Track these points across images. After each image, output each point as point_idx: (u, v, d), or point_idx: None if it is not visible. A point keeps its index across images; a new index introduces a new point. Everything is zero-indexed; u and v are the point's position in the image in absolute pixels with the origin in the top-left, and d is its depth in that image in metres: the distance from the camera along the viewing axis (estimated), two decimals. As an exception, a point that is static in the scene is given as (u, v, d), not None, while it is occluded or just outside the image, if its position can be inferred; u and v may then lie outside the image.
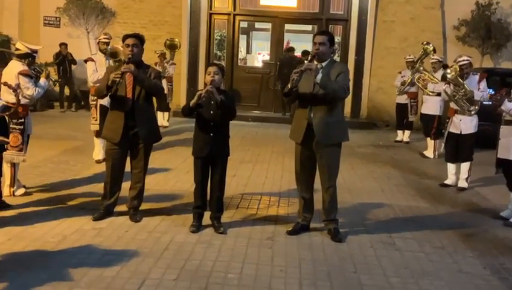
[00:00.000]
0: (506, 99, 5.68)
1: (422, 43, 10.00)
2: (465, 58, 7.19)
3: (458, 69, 7.10)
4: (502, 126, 5.85)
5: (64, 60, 13.72)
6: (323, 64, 4.91)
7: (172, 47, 12.06)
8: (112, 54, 7.49)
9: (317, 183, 5.16)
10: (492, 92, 7.60)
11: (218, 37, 15.19)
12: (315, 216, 5.29)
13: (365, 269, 4.38)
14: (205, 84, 4.94)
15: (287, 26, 15.25)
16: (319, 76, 4.72)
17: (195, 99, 4.81)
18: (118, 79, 4.98)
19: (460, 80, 7.06)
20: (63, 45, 13.77)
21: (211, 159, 5.02)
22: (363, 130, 13.28)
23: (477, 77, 7.25)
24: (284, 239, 5.00)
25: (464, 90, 7.07)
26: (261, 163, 8.44)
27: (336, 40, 15.32)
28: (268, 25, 15.22)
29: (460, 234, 5.41)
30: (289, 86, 4.81)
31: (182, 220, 5.30)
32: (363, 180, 7.71)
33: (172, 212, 5.61)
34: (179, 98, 13.89)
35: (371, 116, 14.32)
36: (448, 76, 7.13)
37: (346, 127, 5.08)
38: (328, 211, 5.09)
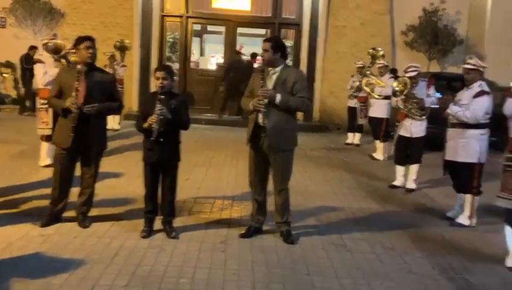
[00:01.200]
0: (452, 103, 5.86)
1: (369, 51, 10.21)
2: (414, 69, 7.32)
3: (408, 81, 7.23)
4: (448, 129, 6.03)
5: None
6: (277, 69, 4.93)
7: (122, 48, 11.86)
8: (55, 50, 7.26)
9: (271, 186, 5.16)
10: (440, 96, 7.84)
11: (171, 40, 15.06)
12: (268, 218, 5.29)
13: (318, 270, 4.41)
14: (153, 95, 4.83)
15: (240, 30, 15.29)
16: (278, 98, 4.77)
17: (147, 126, 4.75)
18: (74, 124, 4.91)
19: (411, 92, 7.20)
20: (34, 48, 13.26)
21: (161, 165, 4.95)
22: (316, 133, 13.44)
23: (425, 83, 7.46)
24: (237, 242, 4.98)
25: (415, 100, 7.23)
26: (215, 166, 8.40)
27: (289, 44, 15.50)
28: (222, 28, 15.21)
29: (410, 235, 5.53)
30: (260, 120, 4.83)
31: (133, 225, 5.19)
32: (315, 182, 7.79)
33: (123, 217, 5.49)
34: (131, 101, 13.66)
35: (323, 119, 14.52)
36: (397, 90, 7.23)
37: (297, 133, 5.12)
38: (281, 214, 5.10)
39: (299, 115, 14.30)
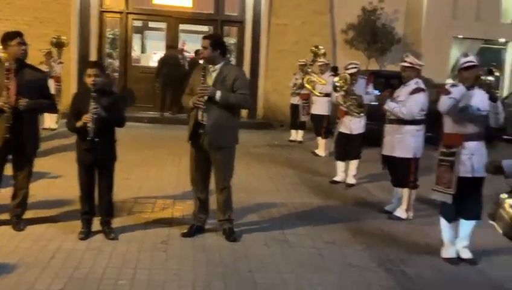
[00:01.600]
0: (389, 99, 6.01)
1: (312, 49, 10.33)
2: (353, 66, 7.47)
3: (348, 77, 7.38)
4: (386, 125, 6.18)
5: None
6: (217, 67, 4.91)
7: (59, 45, 11.47)
8: None
9: (213, 184, 5.14)
10: (378, 93, 8.04)
11: (111, 36, 14.70)
12: (211, 216, 5.26)
13: (260, 267, 4.42)
14: (85, 92, 4.70)
15: (182, 27, 15.11)
16: (218, 94, 4.76)
17: (81, 125, 4.60)
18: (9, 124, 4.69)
19: (350, 88, 7.35)
20: None
21: (97, 165, 4.82)
22: (260, 130, 13.48)
23: (365, 80, 7.63)
24: (179, 242, 4.92)
25: (354, 96, 7.38)
26: (156, 165, 8.27)
27: (232, 41, 15.49)
28: (163, 25, 14.99)
29: (350, 229, 5.64)
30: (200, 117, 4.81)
31: (70, 227, 5.04)
32: (258, 179, 7.81)
33: (59, 219, 5.32)
34: (68, 99, 13.06)
35: (266, 116, 14.58)
36: (338, 85, 7.37)
37: (238, 131, 5.11)
38: (223, 211, 5.09)
39: (243, 113, 14.37)
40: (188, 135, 5.00)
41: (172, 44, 14.53)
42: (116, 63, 14.59)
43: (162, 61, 13.70)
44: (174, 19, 14.56)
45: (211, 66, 4.93)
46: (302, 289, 4.06)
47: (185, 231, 5.10)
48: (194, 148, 5.03)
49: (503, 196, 3.47)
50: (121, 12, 14.29)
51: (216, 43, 4.94)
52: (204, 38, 5.02)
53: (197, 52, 13.85)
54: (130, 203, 6.06)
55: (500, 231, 3.51)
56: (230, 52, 15.50)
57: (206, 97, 4.79)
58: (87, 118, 4.58)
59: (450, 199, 4.69)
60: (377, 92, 8.39)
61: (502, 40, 16.57)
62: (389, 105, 5.94)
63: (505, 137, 12.77)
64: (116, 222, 5.13)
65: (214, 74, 4.91)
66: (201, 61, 12.89)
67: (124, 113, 4.93)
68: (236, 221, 5.36)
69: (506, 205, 3.43)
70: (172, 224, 5.39)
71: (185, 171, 5.40)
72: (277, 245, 4.97)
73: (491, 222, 3.66)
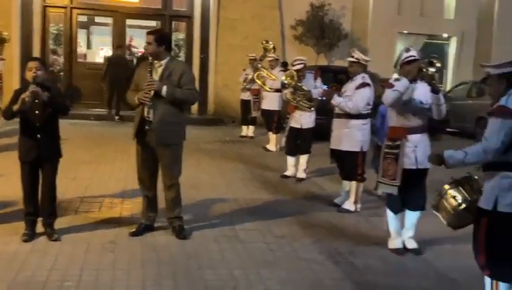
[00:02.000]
0: (336, 94, 6.09)
1: (262, 42, 10.35)
2: (300, 62, 7.53)
3: (294, 74, 7.43)
4: (334, 119, 6.27)
5: None
6: (162, 62, 4.84)
7: (0, 41, 11.02)
8: None
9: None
10: (327, 88, 8.14)
11: (55, 31, 14.24)
12: (161, 215, 5.19)
13: (209, 264, 4.40)
14: (26, 85, 4.53)
15: (129, 22, 14.84)
16: (164, 89, 4.70)
17: (19, 105, 4.41)
18: None
19: (298, 84, 7.40)
20: None
21: (40, 163, 4.66)
22: (210, 126, 13.44)
23: (312, 75, 7.70)
24: (127, 241, 4.83)
25: (303, 92, 7.44)
26: (104, 163, 8.10)
27: (180, 36, 15.34)
28: (109, 20, 14.66)
29: (299, 222, 5.69)
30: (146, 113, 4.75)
31: (13, 229, 4.86)
32: (209, 175, 7.77)
33: (1, 220, 5.12)
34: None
35: (217, 112, 14.54)
36: (286, 82, 7.41)
37: (185, 127, 5.06)
38: (172, 209, 5.03)
39: (193, 109, 14.32)
40: (134, 132, 4.91)
41: (120, 40, 14.23)
42: (61, 59, 14.17)
43: (109, 62, 13.24)
44: (120, 14, 14.30)
45: (156, 61, 4.86)
46: (252, 284, 4.06)
47: (134, 230, 5.02)
48: (140, 145, 4.95)
49: (446, 187, 3.57)
50: (65, 7, 13.91)
51: (161, 38, 4.87)
52: (148, 33, 4.95)
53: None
54: (77, 202, 5.91)
55: (444, 222, 3.61)
56: (179, 48, 15.38)
57: (152, 93, 4.72)
58: (25, 95, 4.38)
59: (396, 190, 4.80)
60: (325, 87, 8.51)
61: (445, 35, 17.11)
62: (336, 100, 6.02)
63: (449, 130, 13.23)
64: (62, 223, 5.00)
65: (160, 70, 4.85)
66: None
67: (66, 102, 4.78)
68: (187, 218, 5.32)
69: (449, 196, 3.53)
70: (120, 223, 5.29)
71: (134, 168, 5.29)
72: (227, 241, 4.96)
73: (435, 212, 3.76)
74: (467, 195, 3.47)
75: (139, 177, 5.06)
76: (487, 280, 3.38)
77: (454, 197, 3.51)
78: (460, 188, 3.52)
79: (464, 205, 3.49)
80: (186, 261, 4.45)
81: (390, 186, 4.85)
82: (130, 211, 5.72)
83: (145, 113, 4.81)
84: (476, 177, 3.55)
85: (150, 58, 4.92)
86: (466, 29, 16.70)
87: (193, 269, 4.29)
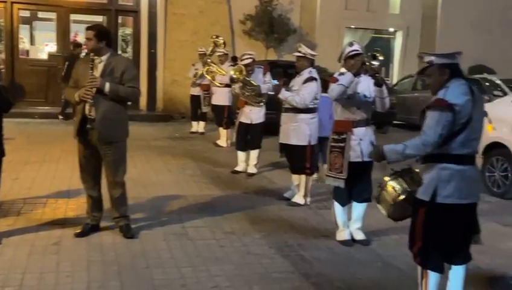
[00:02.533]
0: (284, 89, 6.11)
1: (212, 37, 10.27)
2: (248, 56, 7.51)
3: (243, 68, 7.40)
4: (282, 114, 6.28)
5: None
6: (103, 58, 4.72)
7: None
8: None
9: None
10: (276, 83, 8.15)
11: (-5, 27, 13.73)
12: (107, 214, 5.07)
13: (157, 263, 4.33)
14: None
15: (74, 17, 14.42)
16: (107, 86, 4.58)
17: None
18: None
19: (247, 78, 7.38)
20: None
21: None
22: (160, 122, 13.28)
23: (261, 70, 7.68)
24: (72, 243, 4.69)
25: (251, 87, 7.42)
26: (49, 163, 7.85)
27: (128, 32, 15.06)
28: (53, 15, 14.22)
29: (250, 217, 5.68)
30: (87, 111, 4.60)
31: (-51, 234, 4.64)
32: (158, 173, 7.66)
33: None
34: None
35: (167, 108, 14.37)
36: (235, 77, 7.38)
37: (127, 124, 4.94)
38: (118, 208, 4.92)
39: (142, 105, 14.10)
40: (75, 131, 4.76)
41: (64, 36, 13.82)
42: (2, 55, 13.64)
43: (68, 62, 11.96)
44: (64, 9, 13.90)
45: (97, 57, 4.73)
46: (200, 281, 4.02)
47: (79, 230, 4.88)
48: (82, 144, 4.80)
49: (386, 178, 3.63)
50: (5, 1, 13.39)
51: (100, 33, 4.74)
52: (88, 29, 4.81)
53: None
54: (19, 204, 5.70)
55: (384, 213, 3.68)
56: (127, 43, 15.10)
57: (94, 90, 4.58)
58: None
59: (343, 183, 4.87)
60: (275, 82, 8.52)
61: (391, 29, 17.48)
62: (283, 94, 6.04)
63: (395, 122, 13.55)
64: (3, 225, 4.85)
65: (101, 66, 4.72)
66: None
67: (8, 96, 4.57)
68: (135, 217, 5.23)
69: (389, 187, 3.59)
70: (65, 224, 5.13)
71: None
72: (176, 239, 4.89)
73: (376, 204, 3.81)
74: (406, 186, 3.53)
75: (82, 177, 4.93)
76: (418, 268, 3.47)
77: (393, 188, 3.57)
78: (400, 180, 3.57)
79: (403, 196, 3.55)
80: (133, 260, 4.36)
81: (337, 179, 4.90)
82: (75, 212, 5.56)
83: (87, 111, 4.67)
84: (417, 169, 3.61)
85: (91, 54, 4.78)
86: (411, 23, 17.11)
87: (140, 269, 4.21)
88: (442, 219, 3.33)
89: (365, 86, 4.83)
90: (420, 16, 17.23)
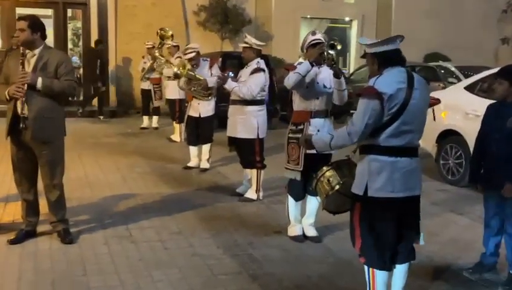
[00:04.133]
0: (230, 79, 5.88)
1: (158, 31, 9.89)
2: (191, 50, 7.19)
3: (186, 63, 7.13)
4: (229, 106, 6.06)
5: None
6: (36, 51, 4.39)
7: None
8: None
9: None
10: (232, 75, 7.90)
11: None
12: (44, 219, 4.75)
13: (96, 269, 4.05)
14: None
15: (20, 10, 13.75)
16: (40, 82, 4.26)
17: None
18: None
19: (191, 73, 7.10)
20: None
21: None
22: (113, 118, 12.87)
23: (208, 62, 7.39)
24: (5, 250, 4.37)
25: (197, 81, 7.14)
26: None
27: (78, 25, 14.55)
28: (-4, 9, 13.60)
29: (199, 216, 5.45)
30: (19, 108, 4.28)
31: None
32: (106, 172, 7.33)
33: None
34: None
35: (120, 103, 13.96)
36: (178, 72, 7.09)
37: (64, 122, 4.63)
38: (55, 212, 4.61)
39: (94, 101, 13.64)
40: (6, 131, 4.42)
41: (8, 30, 13.19)
42: None
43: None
44: (9, 2, 13.36)
45: (28, 51, 4.39)
46: (140, 288, 3.77)
47: (13, 237, 4.55)
48: (14, 145, 4.47)
49: (324, 168, 3.46)
50: None
51: (35, 24, 4.41)
52: (20, 19, 4.47)
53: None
54: (-50, 211, 5.32)
55: (321, 205, 3.51)
56: (77, 37, 14.61)
57: (26, 86, 4.26)
58: None
59: (299, 175, 4.67)
60: (231, 74, 8.28)
61: (347, 19, 17.45)
62: (230, 84, 5.81)
63: (352, 111, 13.49)
64: None
65: (33, 60, 4.38)
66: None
67: None
68: (77, 220, 4.97)
69: (325, 179, 3.42)
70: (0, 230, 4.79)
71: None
72: (118, 243, 4.61)
73: (316, 197, 3.63)
74: (339, 179, 3.37)
75: (15, 180, 4.60)
76: (365, 268, 3.29)
77: (328, 180, 3.40)
78: (337, 171, 3.40)
79: (337, 187, 3.39)
80: (70, 268, 4.08)
81: (294, 171, 4.71)
82: (11, 217, 5.21)
83: (19, 110, 4.33)
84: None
85: (22, 48, 4.42)
86: (366, 12, 17.12)
87: (77, 276, 3.93)
88: (376, 214, 3.13)
89: (326, 76, 4.64)
90: (375, 5, 17.26)
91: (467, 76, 11.69)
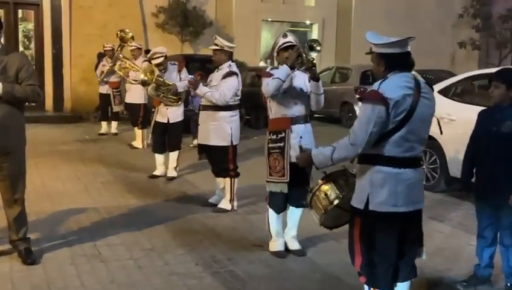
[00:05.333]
0: (201, 84, 5.57)
1: (118, 33, 9.43)
2: (159, 55, 6.80)
3: (154, 68, 6.77)
4: (200, 112, 5.75)
5: None
6: None
7: None
8: None
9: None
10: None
11: None
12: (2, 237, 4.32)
13: (63, 294, 3.67)
14: None
15: (-34, 10, 13.06)
16: (0, 87, 3.83)
17: None
18: None
19: (160, 79, 6.74)
20: None
21: None
22: (68, 124, 12.30)
23: (176, 66, 7.05)
24: (-42, 275, 3.92)
25: (166, 87, 6.79)
26: None
27: (30, 27, 13.87)
28: None
29: (171, 230, 5.10)
30: None
31: None
32: (66, 182, 6.87)
33: None
34: None
35: (76, 108, 13.36)
36: (146, 79, 6.71)
37: (25, 130, 4.22)
38: (16, 230, 4.19)
39: (48, 106, 13.02)
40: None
41: None
42: None
43: None
44: (-46, 2, 12.50)
45: None
46: (116, 315, 3.42)
47: (-32, 259, 4.10)
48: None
49: (320, 181, 3.21)
50: None
51: None
52: None
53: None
54: None
55: (317, 221, 3.27)
56: (29, 39, 13.94)
57: None
58: None
59: (286, 188, 4.38)
60: (192, 77, 7.91)
61: (308, 22, 17.38)
62: (201, 89, 5.49)
63: (316, 115, 13.37)
64: None
65: (-10, 64, 3.96)
66: None
67: None
68: (37, 237, 4.54)
69: (321, 193, 3.17)
70: (-46, 252, 4.32)
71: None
72: (86, 262, 4.22)
73: (310, 211, 3.38)
74: (338, 192, 3.12)
75: (-28, 195, 4.14)
76: (365, 288, 3.04)
77: (326, 194, 3.15)
78: (333, 184, 3.15)
79: (336, 202, 3.14)
80: (34, 293, 3.67)
81: (280, 184, 4.41)
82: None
83: (-25, 117, 3.90)
84: (354, 171, 3.19)
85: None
86: (327, 16, 17.10)
87: (42, 303, 3.53)
88: (378, 230, 2.88)
89: (301, 80, 4.41)
90: (335, 8, 17.27)
91: (426, 79, 11.76)
